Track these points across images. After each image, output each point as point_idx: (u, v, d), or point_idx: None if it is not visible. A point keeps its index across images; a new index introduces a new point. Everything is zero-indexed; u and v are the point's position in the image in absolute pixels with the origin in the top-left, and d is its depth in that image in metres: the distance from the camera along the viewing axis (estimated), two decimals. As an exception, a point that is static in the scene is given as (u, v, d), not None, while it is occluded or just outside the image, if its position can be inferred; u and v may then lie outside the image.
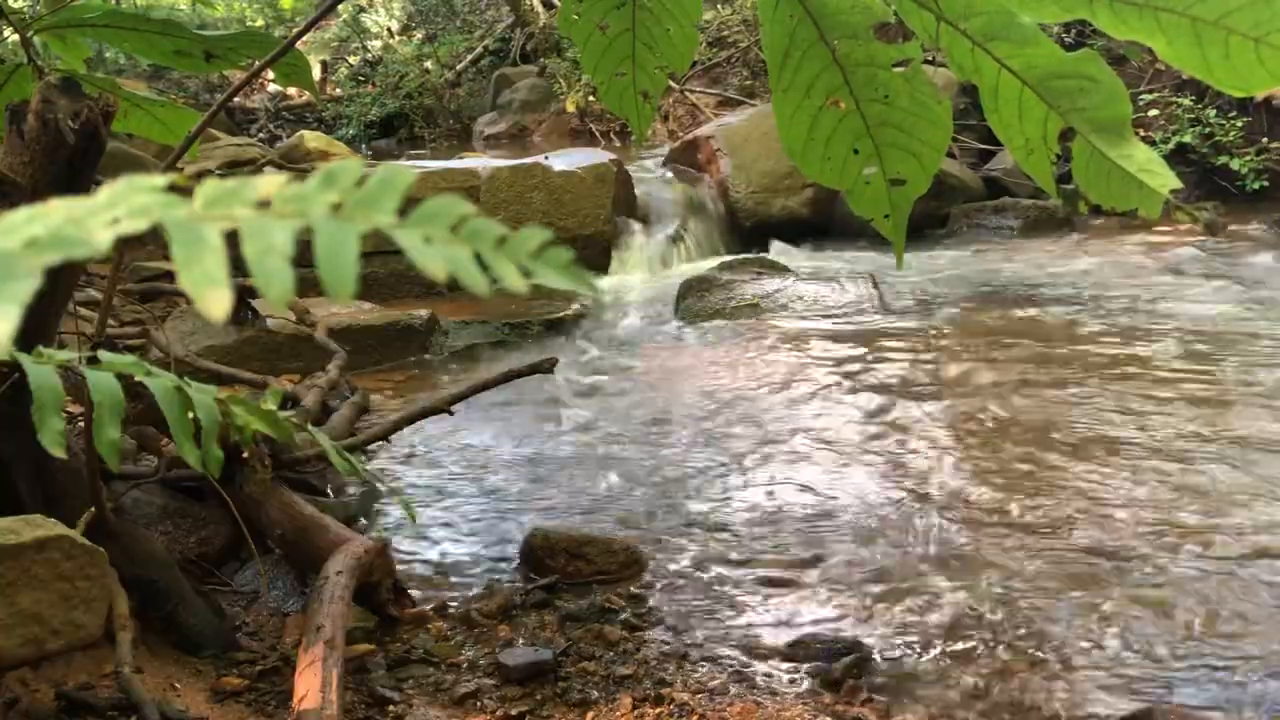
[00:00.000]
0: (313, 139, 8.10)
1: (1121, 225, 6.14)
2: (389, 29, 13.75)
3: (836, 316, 4.45)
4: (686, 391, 3.61)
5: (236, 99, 11.45)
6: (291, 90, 12.44)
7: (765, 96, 8.54)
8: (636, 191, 6.02)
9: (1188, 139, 6.60)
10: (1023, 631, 2.00)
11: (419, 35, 13.11)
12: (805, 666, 1.91)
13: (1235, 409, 3.13)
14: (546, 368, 2.72)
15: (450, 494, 2.79)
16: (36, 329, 1.61)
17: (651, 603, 2.17)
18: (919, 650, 1.95)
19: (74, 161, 1.59)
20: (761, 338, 4.22)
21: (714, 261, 5.54)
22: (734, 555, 2.36)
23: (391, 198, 0.40)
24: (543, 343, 4.27)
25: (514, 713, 1.78)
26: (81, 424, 1.94)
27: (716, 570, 2.30)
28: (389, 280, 4.97)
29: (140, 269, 4.57)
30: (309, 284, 0.75)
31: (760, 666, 1.92)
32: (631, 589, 2.21)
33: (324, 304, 4.15)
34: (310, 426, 1.73)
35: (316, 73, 12.72)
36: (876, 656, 1.92)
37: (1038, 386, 3.43)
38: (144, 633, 1.82)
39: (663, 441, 3.12)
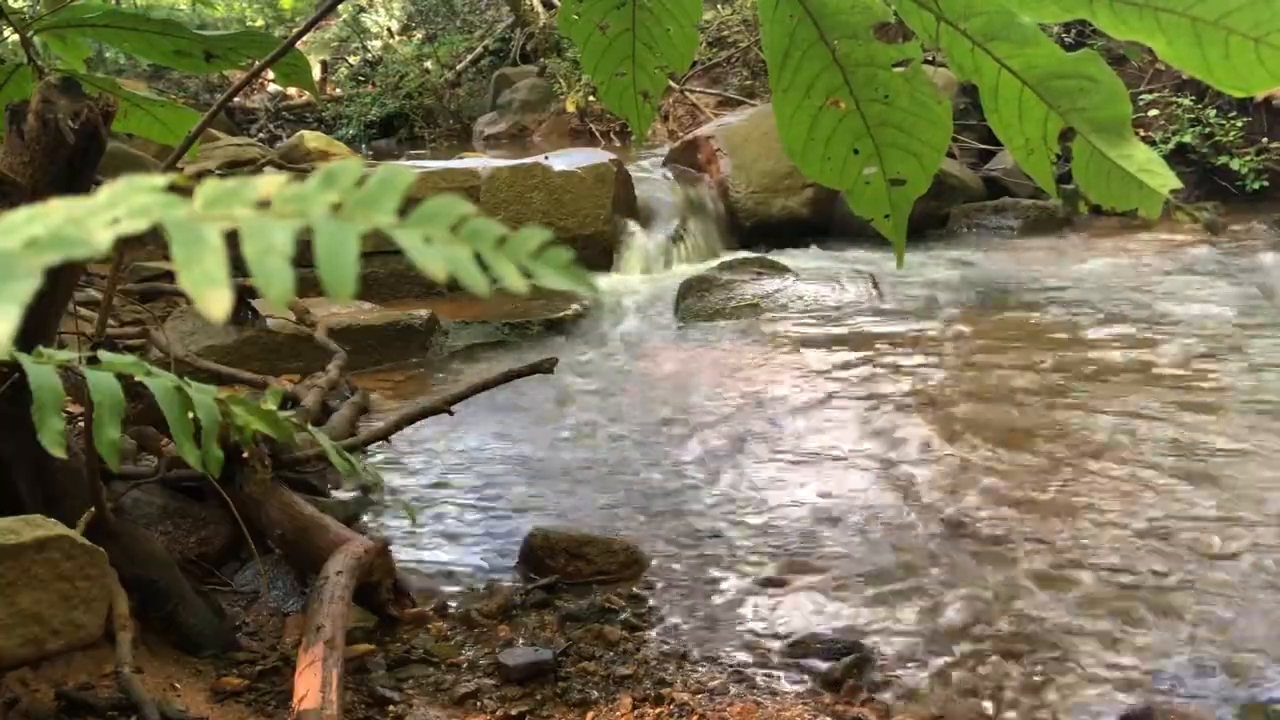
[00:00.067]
0: (313, 139, 8.10)
1: (1121, 225, 6.14)
2: (389, 29, 13.75)
3: (836, 316, 4.45)
4: (686, 392, 3.61)
5: (236, 99, 11.45)
6: (291, 90, 12.44)
7: (765, 96, 8.54)
8: (636, 191, 6.01)
9: (1188, 139, 6.59)
10: (1023, 631, 2.00)
11: (419, 35, 13.11)
12: (805, 666, 1.91)
13: (1236, 409, 3.13)
14: (546, 368, 2.72)
15: (450, 494, 2.79)
16: (36, 329, 1.61)
17: (651, 603, 2.17)
18: (919, 650, 1.95)
19: (74, 161, 1.59)
20: (761, 338, 4.22)
21: (714, 261, 5.54)
22: (734, 555, 2.36)
23: (391, 198, 0.40)
24: (543, 343, 4.27)
25: (514, 713, 1.78)
26: (81, 424, 1.94)
27: (716, 570, 2.30)
28: (389, 280, 4.97)
29: (140, 269, 4.57)
30: (309, 284, 0.75)
31: (760, 666, 1.92)
32: (631, 589, 2.21)
33: (324, 304, 4.14)
34: (310, 426, 1.72)
35: (316, 73, 12.72)
36: (876, 656, 1.92)
37: (1038, 386, 3.43)
38: (144, 633, 1.82)
39: (663, 441, 3.12)
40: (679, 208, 6.12)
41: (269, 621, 2.06)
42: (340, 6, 11.96)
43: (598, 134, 9.80)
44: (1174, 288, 4.73)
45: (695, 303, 4.64)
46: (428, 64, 11.93)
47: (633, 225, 5.80)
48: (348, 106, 12.17)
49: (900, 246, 1.28)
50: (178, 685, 1.76)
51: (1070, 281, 4.95)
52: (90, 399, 1.24)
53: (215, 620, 1.94)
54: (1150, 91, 6.92)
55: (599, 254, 5.46)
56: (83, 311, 3.18)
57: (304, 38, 1.73)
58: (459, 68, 11.95)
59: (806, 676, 1.88)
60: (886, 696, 1.81)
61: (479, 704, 1.82)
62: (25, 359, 1.20)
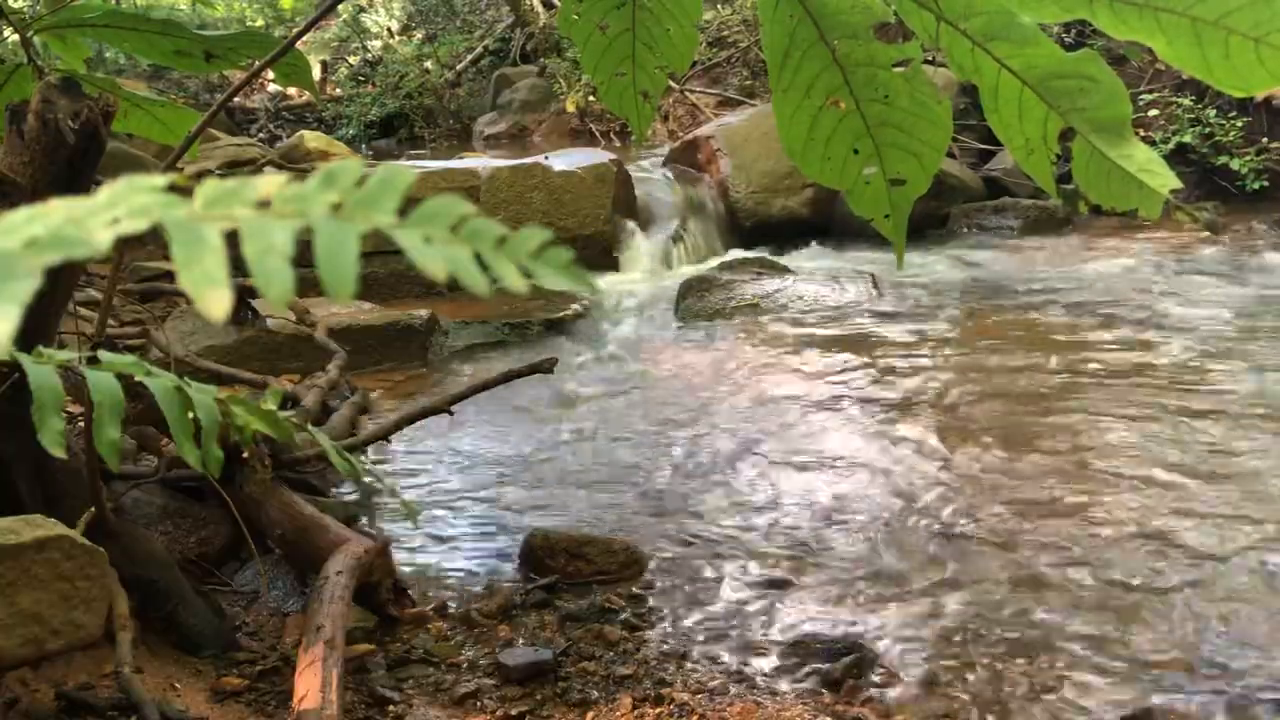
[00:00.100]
0: (313, 139, 8.10)
1: (1122, 225, 6.14)
2: (389, 29, 13.75)
3: (836, 316, 4.45)
4: (686, 392, 3.61)
5: (236, 99, 11.45)
6: (291, 90, 12.44)
7: (765, 96, 8.54)
8: (636, 191, 6.01)
9: (1188, 139, 6.59)
10: (1023, 631, 2.00)
11: (419, 35, 13.11)
12: (805, 666, 1.91)
13: (1237, 409, 3.13)
14: (546, 368, 2.72)
15: (450, 494, 2.79)
16: (36, 329, 1.61)
17: (651, 603, 2.17)
18: (919, 650, 1.95)
19: (74, 161, 1.59)
20: (761, 338, 4.22)
21: (714, 261, 5.54)
22: (734, 555, 2.36)
23: (391, 198, 0.40)
24: (543, 343, 4.27)
25: (514, 713, 1.78)
26: (81, 424, 1.94)
27: (716, 570, 2.30)
28: (389, 280, 4.97)
29: (140, 269, 4.57)
30: (309, 284, 0.75)
31: (760, 666, 1.92)
32: (631, 589, 2.21)
33: (324, 304, 4.14)
34: (310, 426, 1.72)
35: (316, 73, 12.72)
36: (876, 656, 1.92)
37: (1038, 387, 3.43)
38: (144, 633, 1.82)
39: (663, 441, 3.12)
40: (679, 208, 6.12)
41: (269, 621, 2.06)
42: (340, 6, 11.96)
43: (598, 134, 9.80)
44: (1174, 288, 4.73)
45: (695, 303, 4.64)
46: (428, 64, 11.93)
47: (633, 225, 5.80)
48: (348, 106, 12.17)
49: (900, 246, 1.28)
50: (178, 685, 1.76)
51: (1070, 281, 4.95)
52: (90, 399, 1.24)
53: (215, 620, 1.94)
54: (1150, 91, 6.92)
55: (599, 254, 5.46)
56: (83, 311, 3.18)
57: (304, 38, 1.73)
58: (459, 68, 11.95)
59: (806, 676, 1.88)
60: (886, 696, 1.81)
61: (479, 704, 1.82)
62: (25, 359, 1.20)
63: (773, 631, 2.04)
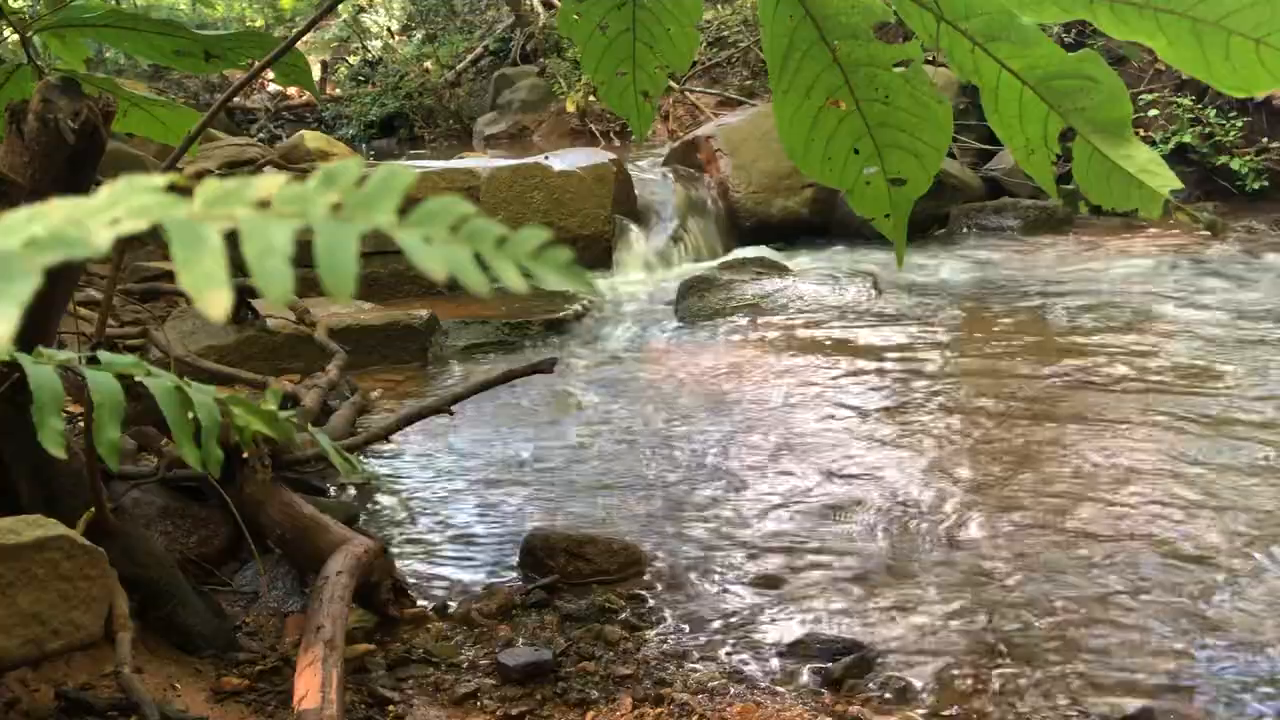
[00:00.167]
0: (313, 139, 8.10)
1: (1122, 226, 6.14)
2: (389, 29, 13.75)
3: (836, 316, 4.44)
4: (686, 391, 3.61)
5: (236, 99, 11.45)
6: (291, 90, 12.44)
7: (765, 96, 8.54)
8: (636, 191, 6.01)
9: (1188, 139, 6.59)
10: (1023, 631, 2.00)
11: (419, 35, 13.11)
12: (805, 666, 1.91)
13: (1238, 409, 3.13)
14: (546, 368, 2.72)
15: (450, 494, 2.79)
16: (36, 329, 1.61)
17: (651, 603, 2.17)
18: (919, 650, 1.95)
19: (74, 161, 1.59)
20: (761, 337, 4.22)
21: (714, 261, 5.54)
22: (734, 555, 2.36)
23: (391, 198, 0.40)
24: (543, 343, 4.27)
25: (514, 713, 1.78)
26: (81, 424, 1.94)
27: (716, 570, 2.30)
28: (389, 280, 4.97)
29: (140, 269, 4.57)
30: (309, 284, 0.75)
31: (760, 666, 1.92)
32: (631, 589, 2.21)
33: (324, 304, 4.14)
34: (310, 426, 1.72)
35: (316, 73, 12.72)
36: (876, 656, 1.92)
37: (1038, 387, 3.43)
38: (144, 633, 1.82)
39: (662, 441, 3.12)
40: (679, 208, 6.12)
41: (269, 621, 2.06)
42: (340, 6, 11.96)
43: (598, 134, 9.79)
44: (1174, 288, 4.73)
45: (695, 303, 4.64)
46: (428, 64, 11.92)
47: (633, 225, 5.80)
48: (348, 106, 12.17)
49: (901, 246, 1.28)
50: (178, 685, 1.76)
51: (1070, 282, 4.95)
52: (90, 399, 1.24)
53: (215, 620, 1.94)
54: (1150, 91, 6.92)
55: (599, 254, 5.46)
56: (83, 311, 3.18)
57: (304, 38, 1.73)
58: (459, 68, 11.95)
59: (806, 676, 1.88)
60: (886, 696, 1.81)
61: (479, 704, 1.82)
62: (25, 359, 1.20)
63: (773, 631, 2.04)
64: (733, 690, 1.84)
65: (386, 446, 3.05)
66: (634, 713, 1.77)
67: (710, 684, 1.85)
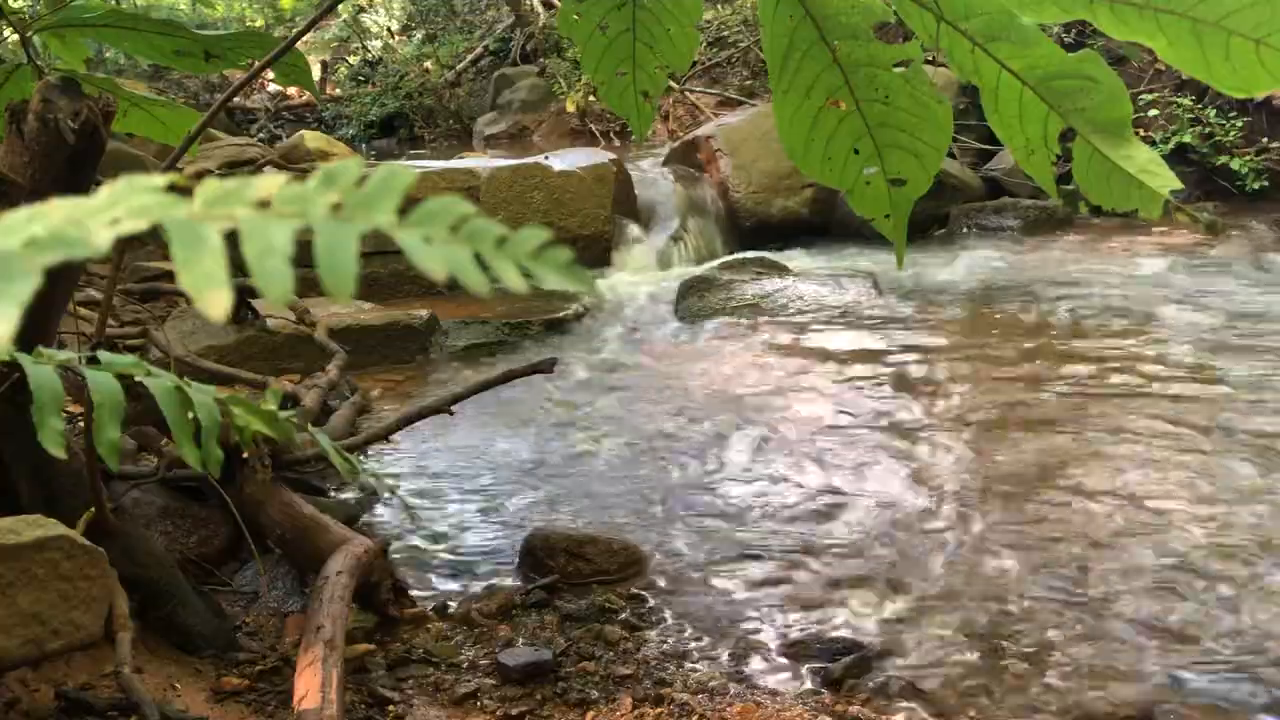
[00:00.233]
0: (313, 139, 8.09)
1: (1122, 226, 6.14)
2: (389, 29, 13.75)
3: (836, 317, 4.44)
4: (686, 391, 3.61)
5: (236, 99, 11.45)
6: (291, 90, 12.44)
7: (765, 96, 8.54)
8: (636, 191, 6.01)
9: (1188, 139, 6.59)
10: (1023, 631, 2.00)
11: (419, 35, 13.11)
12: (805, 666, 1.91)
13: (1238, 409, 3.13)
14: (546, 367, 2.72)
15: (450, 494, 2.79)
16: (36, 329, 1.61)
17: (651, 603, 2.17)
18: (919, 650, 1.95)
19: (74, 161, 1.59)
20: (762, 337, 4.22)
21: (714, 262, 5.54)
22: (734, 555, 2.36)
23: (391, 198, 0.40)
24: (543, 343, 4.27)
25: (514, 713, 1.78)
26: (81, 424, 1.94)
27: (716, 570, 2.30)
28: (389, 280, 4.97)
29: (140, 269, 4.57)
30: (309, 284, 0.75)
31: (760, 666, 1.92)
32: (631, 589, 2.21)
33: (324, 304, 4.14)
34: (310, 426, 1.72)
35: (316, 73, 12.72)
36: (876, 656, 1.92)
37: (1038, 386, 3.43)
38: (144, 633, 1.82)
39: (662, 441, 3.12)
40: (679, 208, 6.12)
41: (269, 621, 2.06)
42: (340, 6, 11.96)
43: (598, 134, 9.79)
44: (1174, 288, 4.73)
45: (695, 302, 4.64)
46: (428, 64, 11.92)
47: (633, 225, 5.80)
48: (348, 106, 12.17)
49: (901, 246, 1.28)
50: (178, 685, 1.76)
51: (1070, 282, 4.95)
52: (90, 399, 1.24)
53: (215, 620, 1.94)
54: (1150, 91, 6.92)
55: (599, 254, 5.46)
56: (83, 311, 3.18)
57: (304, 38, 1.73)
58: (459, 68, 11.95)
59: (806, 676, 1.88)
60: (886, 696, 1.82)
61: (479, 704, 1.82)
62: (25, 359, 1.20)
63: (773, 631, 2.04)
64: (733, 690, 1.84)
65: (386, 446, 3.05)
66: (634, 713, 1.77)
67: (710, 684, 1.85)
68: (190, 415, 1.19)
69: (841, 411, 3.31)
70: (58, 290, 1.70)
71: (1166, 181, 1.05)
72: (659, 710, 1.77)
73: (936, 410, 3.28)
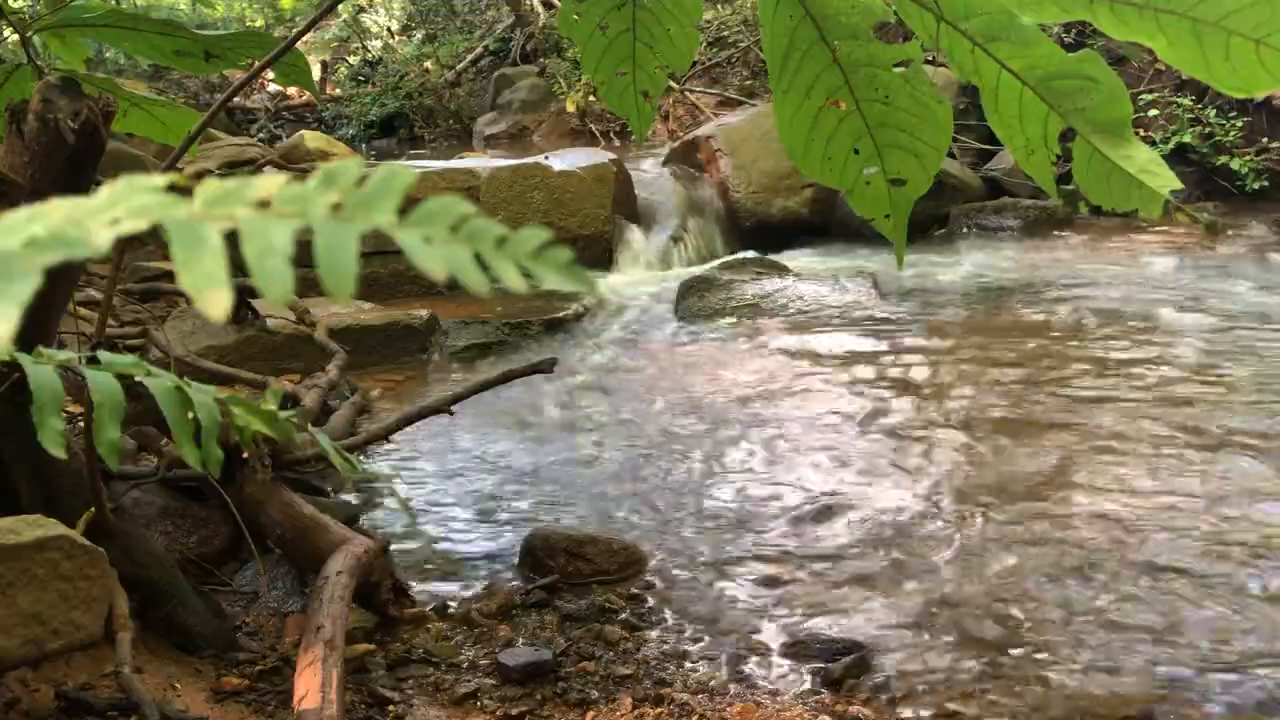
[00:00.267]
0: (313, 139, 8.09)
1: (1122, 226, 6.14)
2: (389, 29, 13.75)
3: (836, 317, 4.45)
4: (686, 391, 3.61)
5: (236, 99, 11.45)
6: (291, 90, 12.44)
7: (765, 96, 8.54)
8: (636, 191, 6.01)
9: (1188, 139, 6.59)
10: (1024, 632, 2.00)
11: (419, 35, 13.11)
12: (805, 666, 1.91)
13: (1237, 409, 3.13)
14: (546, 368, 2.72)
15: (450, 494, 2.79)
16: (36, 329, 1.61)
17: (651, 603, 2.17)
18: (919, 650, 1.95)
19: (74, 161, 1.59)
20: (761, 338, 4.22)
21: (714, 262, 5.54)
22: (734, 555, 2.36)
23: (391, 198, 0.40)
24: (543, 343, 4.27)
25: (514, 713, 1.78)
26: (81, 424, 1.94)
27: (716, 570, 2.30)
28: (389, 280, 4.97)
29: (140, 269, 4.57)
30: (309, 284, 0.75)
31: (760, 666, 1.92)
32: (631, 589, 2.21)
33: (324, 304, 4.14)
34: (310, 426, 1.72)
35: (316, 73, 12.72)
36: (876, 656, 1.92)
37: (1038, 386, 3.43)
38: (144, 633, 1.82)
39: (662, 441, 3.12)
40: (679, 208, 6.12)
41: (269, 621, 2.06)
42: (340, 6, 11.96)
43: (598, 134, 9.79)
44: (1174, 288, 4.73)
45: (695, 303, 4.64)
46: (428, 64, 11.92)
47: (633, 225, 5.80)
48: (348, 106, 12.17)
49: (901, 247, 1.28)
50: (178, 685, 1.76)
51: (1070, 282, 4.95)
52: (90, 399, 1.24)
53: (215, 620, 1.94)
54: (1150, 91, 6.92)
55: (599, 254, 5.46)
56: (83, 311, 3.18)
57: (304, 38, 1.73)
58: (459, 68, 11.95)
59: (806, 676, 1.88)
60: (886, 696, 1.81)
61: (479, 704, 1.82)
62: (25, 359, 1.20)
63: (772, 631, 2.04)
64: (733, 690, 1.84)
65: (386, 446, 3.05)
66: (634, 713, 1.77)
67: (710, 684, 1.85)
68: (190, 415, 1.19)
69: (842, 412, 3.31)
70: (58, 290, 1.70)
71: (1166, 181, 1.05)
72: (659, 710, 1.77)
73: (937, 410, 3.28)
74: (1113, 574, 2.20)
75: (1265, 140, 6.53)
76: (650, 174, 6.48)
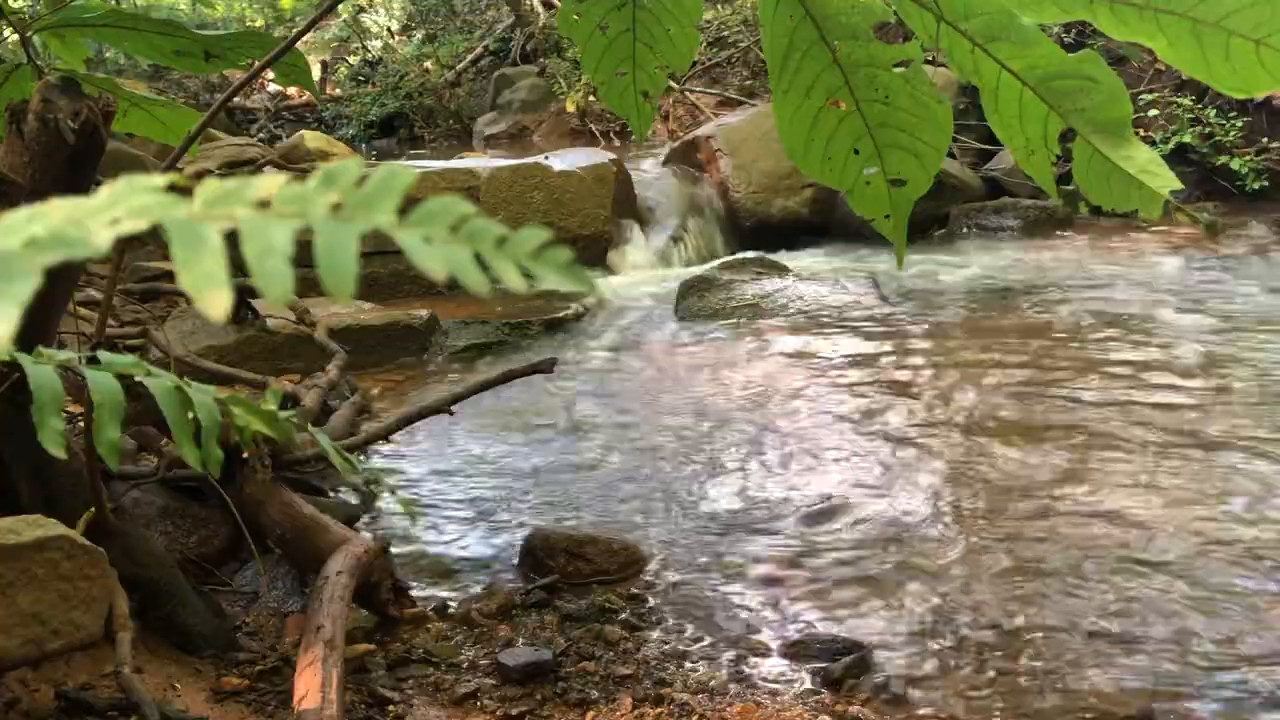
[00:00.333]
0: (313, 139, 8.09)
1: (1122, 226, 6.14)
2: (389, 29, 13.75)
3: (836, 317, 4.44)
4: (686, 391, 3.61)
5: (236, 99, 11.45)
6: (291, 90, 12.44)
7: (765, 96, 8.54)
8: (636, 191, 6.01)
9: (1188, 139, 6.59)
10: (1024, 632, 2.00)
11: (419, 35, 13.11)
12: (805, 666, 1.91)
13: (1237, 409, 3.13)
14: (546, 368, 2.72)
15: (450, 494, 2.79)
16: (36, 329, 1.61)
17: (651, 603, 2.17)
18: (919, 650, 1.95)
19: (74, 161, 1.59)
20: (761, 338, 4.22)
21: (714, 262, 5.54)
22: (734, 555, 2.36)
23: (391, 198, 0.40)
24: (543, 343, 4.27)
25: (514, 713, 1.78)
26: (81, 424, 1.94)
27: (716, 570, 2.30)
28: (389, 280, 4.97)
29: (140, 269, 4.57)
30: (309, 284, 0.75)
31: (760, 666, 1.92)
32: (631, 589, 2.21)
33: (324, 304, 4.14)
34: (310, 426, 1.72)
35: (316, 73, 12.72)
36: (876, 656, 1.92)
37: (1038, 387, 3.43)
38: (144, 633, 1.82)
39: (662, 441, 3.12)
40: (679, 208, 6.12)
41: (269, 621, 2.06)
42: (340, 6, 11.96)
43: (598, 134, 9.79)
44: (1174, 288, 4.73)
45: (695, 303, 4.64)
46: (428, 64, 11.92)
47: (633, 225, 5.80)
48: (348, 106, 12.17)
49: (901, 247, 1.28)
50: (178, 685, 1.76)
51: (1070, 282, 4.95)
52: (90, 399, 1.24)
53: (215, 620, 1.94)
54: (1150, 91, 6.92)
55: (599, 254, 5.46)
56: (83, 311, 3.18)
57: (304, 38, 1.73)
58: (459, 68, 11.95)
59: (806, 676, 1.88)
60: (886, 696, 1.81)
61: (479, 704, 1.82)
62: (25, 359, 1.20)
63: (773, 631, 2.04)
64: (733, 690, 1.84)
65: (386, 447, 3.05)
66: (634, 713, 1.77)
67: (710, 684, 1.85)
68: (190, 415, 1.19)
69: (841, 412, 3.31)
70: (58, 290, 1.70)
71: (1166, 181, 1.05)
72: (659, 710, 1.77)
73: (937, 411, 3.28)
74: (1113, 574, 2.20)
75: (1265, 140, 6.53)
76: (650, 174, 6.48)
